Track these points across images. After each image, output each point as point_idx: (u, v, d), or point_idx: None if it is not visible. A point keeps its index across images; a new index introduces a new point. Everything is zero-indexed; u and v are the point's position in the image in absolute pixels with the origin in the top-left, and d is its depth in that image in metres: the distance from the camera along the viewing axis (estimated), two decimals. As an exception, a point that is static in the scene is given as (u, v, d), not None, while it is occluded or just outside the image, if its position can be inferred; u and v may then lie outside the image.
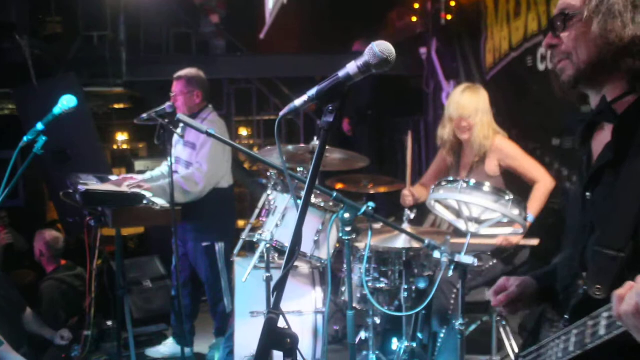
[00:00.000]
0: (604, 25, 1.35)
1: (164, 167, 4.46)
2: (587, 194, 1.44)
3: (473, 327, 3.82)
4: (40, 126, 3.05)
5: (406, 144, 4.04)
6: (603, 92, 1.44)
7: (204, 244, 4.26)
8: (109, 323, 4.69)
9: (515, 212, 3.00)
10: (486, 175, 3.72)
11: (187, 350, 4.03)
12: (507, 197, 2.97)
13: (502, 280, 1.72)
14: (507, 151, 3.75)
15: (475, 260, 2.72)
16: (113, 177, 4.17)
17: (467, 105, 3.73)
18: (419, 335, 3.68)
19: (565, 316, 1.43)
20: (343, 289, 3.71)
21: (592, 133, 1.51)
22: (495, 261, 3.66)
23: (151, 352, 4.59)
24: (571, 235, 1.54)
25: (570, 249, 1.52)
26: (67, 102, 3.11)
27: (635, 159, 1.32)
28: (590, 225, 1.42)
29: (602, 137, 1.46)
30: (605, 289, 1.28)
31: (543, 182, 3.71)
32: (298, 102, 1.49)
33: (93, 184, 3.85)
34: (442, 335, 3.60)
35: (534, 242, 3.70)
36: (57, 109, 3.11)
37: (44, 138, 3.04)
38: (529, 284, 1.69)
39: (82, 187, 3.58)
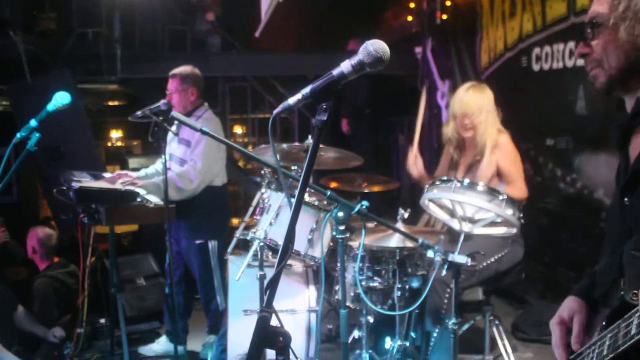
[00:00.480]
0: (631, 30, 1.37)
1: (158, 165, 4.45)
2: (625, 199, 1.43)
3: (466, 326, 3.83)
4: (33, 123, 3.04)
5: (419, 102, 4.06)
6: (638, 95, 1.44)
7: (197, 241, 4.26)
8: (102, 321, 4.67)
9: (509, 211, 3.01)
10: (485, 174, 3.72)
11: (180, 348, 4.02)
12: (500, 197, 2.98)
13: (557, 327, 1.54)
14: (506, 151, 3.76)
15: (469, 260, 2.73)
16: (107, 175, 4.16)
17: (471, 104, 3.74)
18: (412, 334, 3.69)
19: (603, 323, 1.39)
20: (336, 287, 3.71)
21: (629, 138, 1.49)
22: (489, 261, 3.67)
23: (144, 350, 4.57)
24: (610, 243, 1.53)
25: (608, 257, 1.51)
26: (60, 98, 3.10)
27: None
28: (629, 230, 1.41)
29: (639, 141, 1.45)
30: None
31: (519, 190, 3.67)
32: (292, 100, 1.49)
33: (87, 181, 3.84)
34: (435, 334, 3.61)
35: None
36: (51, 106, 3.10)
37: (37, 135, 3.03)
38: (580, 308, 1.54)
39: (75, 184, 3.57)
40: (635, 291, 1.27)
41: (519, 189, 3.70)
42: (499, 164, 3.75)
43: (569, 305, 1.54)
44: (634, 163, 1.43)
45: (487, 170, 3.73)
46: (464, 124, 3.76)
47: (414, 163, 3.93)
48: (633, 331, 1.18)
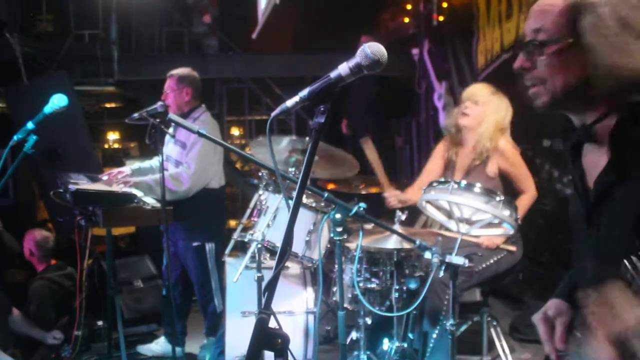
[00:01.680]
0: (602, 56, 1.28)
1: (154, 161, 4.46)
2: (592, 213, 1.41)
3: (464, 327, 3.83)
4: (30, 125, 3.04)
5: (365, 149, 3.98)
6: (582, 115, 1.41)
7: (194, 243, 4.26)
8: (100, 323, 4.67)
9: (506, 212, 3.01)
10: (486, 177, 3.72)
11: (178, 349, 4.02)
12: (497, 198, 2.99)
13: (541, 323, 1.55)
14: (509, 156, 3.76)
15: (466, 261, 2.73)
16: (104, 177, 4.16)
17: (478, 92, 3.77)
18: (410, 335, 3.69)
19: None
20: (334, 289, 3.71)
21: (580, 151, 1.47)
22: (488, 262, 3.67)
23: (143, 349, 4.58)
24: (579, 249, 1.55)
25: (578, 263, 1.54)
26: (57, 101, 3.10)
27: (634, 181, 1.30)
28: (595, 246, 1.41)
29: (592, 155, 1.43)
30: None
31: (531, 194, 3.78)
32: (290, 102, 1.50)
33: (84, 184, 3.84)
34: (434, 335, 3.61)
35: (512, 248, 3.72)
36: (48, 108, 3.10)
37: (34, 137, 3.03)
38: (564, 310, 1.55)
39: (72, 187, 3.56)
40: None
41: (532, 191, 3.79)
42: (505, 171, 3.77)
43: (555, 306, 1.56)
44: (598, 182, 1.39)
45: (489, 174, 3.75)
46: (464, 107, 3.77)
47: (396, 201, 3.92)
48: None
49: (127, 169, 4.28)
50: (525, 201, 3.74)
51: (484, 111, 3.73)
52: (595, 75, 1.30)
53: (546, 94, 1.39)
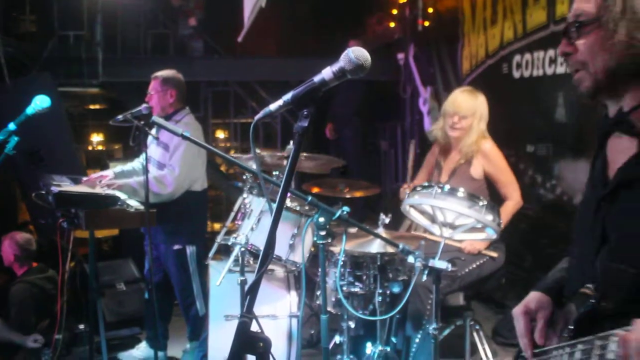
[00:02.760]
0: (629, 32, 1.28)
1: (136, 163, 4.44)
2: (603, 202, 1.39)
3: (447, 331, 3.84)
4: (12, 126, 3.01)
5: (409, 150, 4.30)
6: (622, 102, 1.39)
7: (175, 247, 4.23)
8: (81, 326, 4.62)
9: (489, 217, 3.04)
10: (470, 177, 3.78)
11: (160, 354, 3.99)
12: (480, 203, 3.01)
13: (522, 316, 1.53)
14: (492, 158, 3.82)
15: (449, 265, 2.74)
16: (84, 178, 4.13)
17: (464, 105, 3.80)
18: (393, 339, 3.70)
19: (570, 326, 1.37)
20: (318, 293, 3.71)
21: (606, 140, 1.45)
22: (471, 267, 3.69)
23: (124, 356, 4.53)
24: (579, 239, 1.52)
25: (577, 259, 1.51)
26: (40, 102, 3.07)
27: None
28: (601, 234, 1.37)
29: (620, 145, 1.39)
30: (615, 304, 1.27)
31: (515, 201, 3.82)
32: (273, 106, 1.50)
33: (66, 185, 3.80)
34: (417, 339, 3.62)
35: (494, 254, 3.75)
36: (30, 109, 3.07)
37: (15, 138, 3.00)
38: (546, 304, 1.53)
39: (54, 189, 3.53)
40: (609, 300, 1.27)
41: (516, 199, 3.84)
42: (489, 174, 3.81)
43: (537, 299, 1.54)
44: (620, 172, 1.37)
45: (473, 176, 3.79)
46: (453, 122, 3.80)
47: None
48: (608, 356, 1.18)
49: (110, 172, 4.26)
50: (509, 208, 3.77)
51: (471, 122, 3.80)
52: (627, 56, 1.30)
53: (589, 78, 1.37)
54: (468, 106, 3.81)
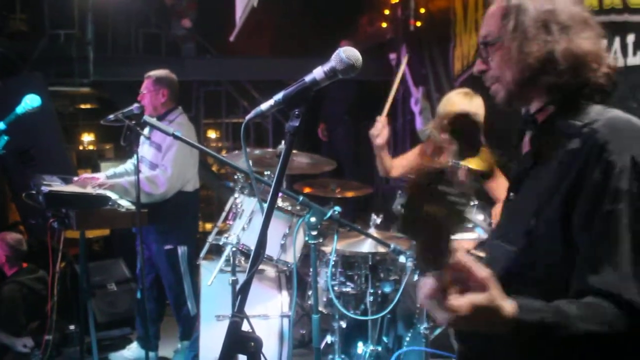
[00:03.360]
0: (521, 48, 1.43)
1: (128, 165, 4.43)
2: (511, 194, 1.57)
3: (438, 331, 3.85)
4: (1, 125, 2.99)
5: (398, 70, 4.05)
6: (530, 106, 1.54)
7: (167, 247, 4.22)
8: (72, 327, 4.60)
9: (480, 217, 3.05)
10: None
11: (151, 354, 3.98)
12: (471, 203, 3.01)
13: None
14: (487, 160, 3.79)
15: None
16: (75, 178, 4.11)
17: (457, 107, 3.76)
18: (384, 339, 3.70)
19: None
20: (309, 292, 3.71)
21: (522, 138, 1.62)
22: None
23: (115, 357, 4.51)
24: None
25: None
26: (30, 101, 3.06)
27: (543, 165, 1.44)
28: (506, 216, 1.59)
29: (526, 143, 1.58)
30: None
31: None
32: (264, 106, 1.50)
33: (57, 185, 3.78)
34: (407, 338, 3.62)
35: (482, 254, 3.75)
36: (20, 109, 3.06)
37: (5, 137, 2.99)
38: None
39: (45, 188, 3.51)
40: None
41: None
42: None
43: None
44: (518, 165, 1.58)
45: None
46: (444, 124, 3.79)
47: (380, 131, 3.87)
48: None
49: (102, 175, 4.24)
50: (500, 209, 3.77)
51: None
52: (524, 68, 1.44)
53: (502, 89, 1.51)
54: (461, 109, 3.79)
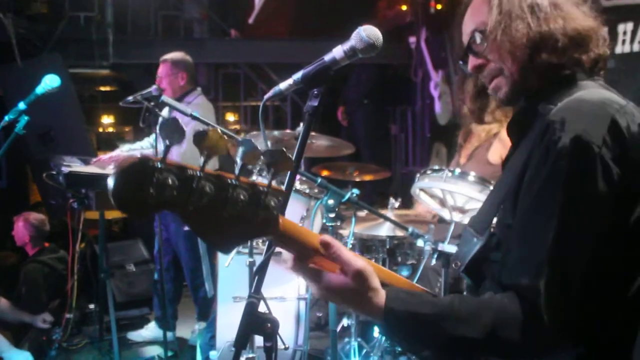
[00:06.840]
0: (515, 27, 1.34)
1: (144, 142, 4.44)
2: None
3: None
4: (22, 106, 3.00)
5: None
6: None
7: (186, 228, 4.24)
8: (91, 306, 4.66)
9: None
10: (487, 162, 3.71)
11: (169, 334, 4.02)
12: (491, 187, 2.98)
13: None
14: (508, 144, 3.75)
15: (459, 249, 2.73)
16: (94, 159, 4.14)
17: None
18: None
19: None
20: (326, 275, 3.71)
21: None
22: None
23: (133, 335, 4.57)
24: None
25: None
26: (50, 81, 3.06)
27: (512, 156, 1.42)
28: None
29: None
30: (462, 265, 1.42)
31: None
32: (283, 85, 1.48)
33: (77, 166, 3.81)
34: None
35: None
36: (40, 89, 3.06)
37: (25, 118, 3.00)
38: None
39: (65, 169, 3.54)
40: (459, 262, 1.45)
41: None
42: (502, 156, 3.75)
43: None
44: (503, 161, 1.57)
45: (490, 160, 3.73)
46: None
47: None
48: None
49: (120, 152, 4.27)
50: None
51: None
52: (522, 47, 1.34)
53: (506, 82, 1.40)
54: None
